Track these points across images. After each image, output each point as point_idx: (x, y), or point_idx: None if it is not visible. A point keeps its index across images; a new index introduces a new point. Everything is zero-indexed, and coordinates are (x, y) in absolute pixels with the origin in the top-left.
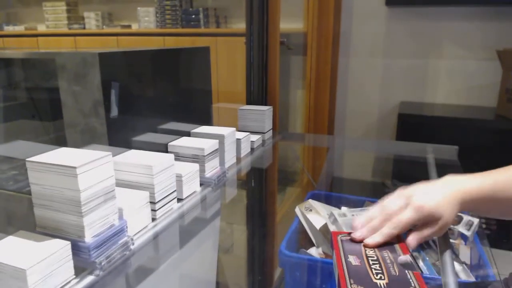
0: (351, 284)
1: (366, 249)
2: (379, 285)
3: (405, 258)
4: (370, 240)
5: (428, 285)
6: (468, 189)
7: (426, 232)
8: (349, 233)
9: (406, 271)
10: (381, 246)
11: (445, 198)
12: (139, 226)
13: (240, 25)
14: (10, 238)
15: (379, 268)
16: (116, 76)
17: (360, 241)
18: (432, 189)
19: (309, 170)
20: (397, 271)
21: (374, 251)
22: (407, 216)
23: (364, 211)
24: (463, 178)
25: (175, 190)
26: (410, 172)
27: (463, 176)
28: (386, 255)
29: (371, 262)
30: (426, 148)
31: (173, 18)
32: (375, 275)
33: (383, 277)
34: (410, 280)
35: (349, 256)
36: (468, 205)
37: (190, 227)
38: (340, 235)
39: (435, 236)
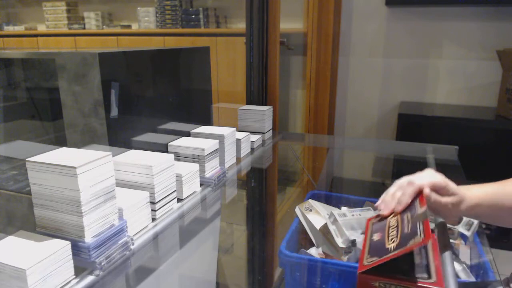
0: (366, 258)
1: (391, 219)
2: (389, 249)
3: (421, 210)
4: (386, 211)
5: None
6: (473, 194)
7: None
8: (381, 216)
9: (418, 223)
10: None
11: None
12: (139, 226)
13: (240, 25)
14: (10, 238)
15: (395, 233)
16: (116, 76)
17: (389, 215)
18: None
19: (309, 170)
20: (409, 227)
21: (396, 218)
22: (420, 176)
23: (364, 211)
24: (466, 186)
25: (175, 190)
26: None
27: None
28: (405, 216)
29: (390, 231)
30: (426, 148)
31: (173, 18)
32: (389, 241)
33: (395, 240)
34: (418, 230)
35: (373, 235)
36: (472, 209)
37: (190, 227)
38: (372, 220)
39: (448, 209)
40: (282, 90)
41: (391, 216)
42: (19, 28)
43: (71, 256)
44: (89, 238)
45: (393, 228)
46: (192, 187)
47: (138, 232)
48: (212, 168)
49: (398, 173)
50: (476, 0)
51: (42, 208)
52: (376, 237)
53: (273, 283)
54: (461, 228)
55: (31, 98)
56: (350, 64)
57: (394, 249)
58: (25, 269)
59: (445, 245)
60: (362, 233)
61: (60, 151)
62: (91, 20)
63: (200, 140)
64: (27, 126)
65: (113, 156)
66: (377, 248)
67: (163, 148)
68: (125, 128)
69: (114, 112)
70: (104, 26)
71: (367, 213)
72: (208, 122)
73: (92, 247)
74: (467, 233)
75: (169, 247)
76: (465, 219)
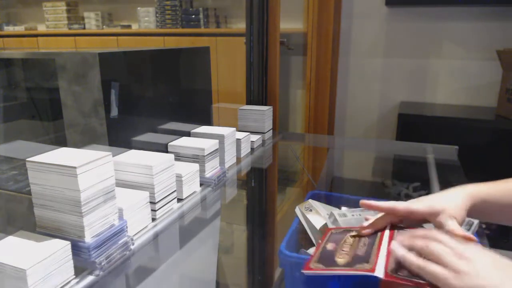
0: (313, 262)
1: (349, 237)
2: (337, 262)
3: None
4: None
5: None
6: (477, 191)
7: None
8: (344, 229)
9: (372, 249)
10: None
11: (452, 192)
12: (139, 226)
13: (240, 25)
14: (10, 238)
15: (347, 250)
16: (116, 76)
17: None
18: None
19: (309, 170)
20: (364, 250)
21: (355, 238)
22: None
23: (364, 211)
24: (471, 185)
25: (175, 190)
26: (410, 172)
27: (472, 184)
28: (363, 239)
29: (344, 246)
30: (426, 148)
31: (173, 18)
32: (339, 255)
33: (346, 257)
34: (371, 257)
35: (328, 243)
36: (477, 207)
37: (190, 227)
38: (333, 230)
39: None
40: (282, 90)
41: (352, 234)
42: (19, 28)
43: (71, 256)
44: (89, 238)
45: (347, 245)
46: (192, 187)
47: (138, 232)
48: (212, 168)
49: (398, 173)
50: (476, 0)
51: (42, 208)
52: (329, 246)
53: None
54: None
55: (31, 98)
56: (350, 64)
57: (342, 265)
58: (25, 269)
59: None
60: None
61: (60, 151)
62: (91, 20)
63: (200, 140)
64: (27, 126)
65: (113, 156)
66: (325, 257)
67: (163, 148)
68: (125, 128)
69: (114, 112)
70: (104, 26)
71: (367, 213)
72: (208, 122)
73: (92, 247)
74: (467, 233)
75: (169, 247)
76: (465, 219)
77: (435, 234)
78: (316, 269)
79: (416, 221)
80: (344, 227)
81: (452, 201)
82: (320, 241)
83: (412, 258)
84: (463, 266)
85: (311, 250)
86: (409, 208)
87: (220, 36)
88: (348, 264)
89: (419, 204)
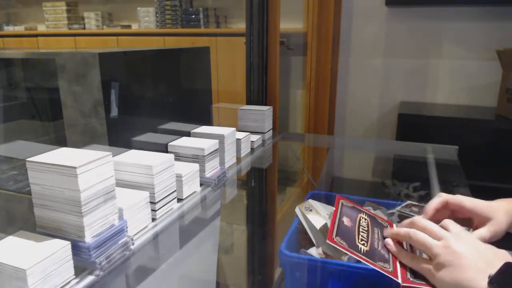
0: (335, 236)
1: (361, 218)
2: (360, 248)
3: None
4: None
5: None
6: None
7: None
8: (353, 205)
9: (388, 252)
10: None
11: (496, 203)
12: (139, 226)
13: (240, 25)
14: (10, 238)
15: (366, 237)
16: (116, 76)
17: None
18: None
19: (309, 170)
20: (379, 245)
21: (367, 222)
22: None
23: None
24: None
25: (175, 190)
26: (410, 172)
27: None
28: (376, 230)
29: (361, 229)
30: (426, 148)
31: (173, 18)
32: (359, 240)
33: (366, 245)
34: (389, 260)
35: (344, 217)
36: None
37: (190, 227)
38: (343, 200)
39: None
40: (282, 90)
41: (363, 214)
42: (19, 28)
43: (71, 256)
44: (89, 238)
45: (364, 230)
46: (192, 187)
47: (138, 232)
48: (212, 168)
49: (398, 173)
50: (476, 0)
51: (42, 208)
52: (346, 221)
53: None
54: None
55: (31, 98)
56: (350, 64)
57: (363, 254)
58: (25, 269)
59: None
60: None
61: (60, 151)
62: (91, 20)
63: (200, 140)
64: (27, 126)
65: (113, 156)
66: (345, 235)
67: (163, 148)
68: (125, 128)
69: (114, 112)
70: (104, 26)
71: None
72: (208, 122)
73: (92, 247)
74: None
75: (169, 247)
76: None
77: (417, 221)
78: (341, 246)
79: (462, 219)
80: (353, 203)
81: (502, 214)
82: (334, 209)
83: (402, 255)
84: (445, 257)
85: (311, 250)
86: (461, 202)
87: (220, 36)
88: (369, 255)
89: (472, 202)
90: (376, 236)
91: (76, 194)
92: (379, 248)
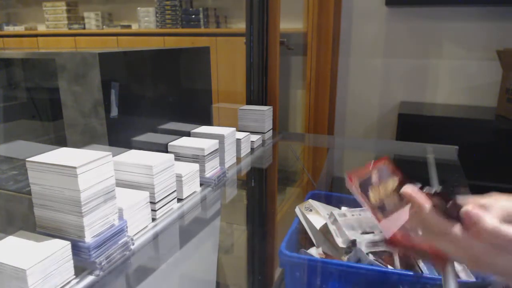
0: (357, 179)
1: (392, 182)
2: (369, 196)
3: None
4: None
5: (427, 285)
6: None
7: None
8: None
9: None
10: None
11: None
12: (139, 226)
13: (240, 25)
14: (10, 238)
15: (383, 192)
16: (116, 76)
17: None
18: None
19: (309, 170)
20: (393, 205)
21: (395, 189)
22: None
23: (364, 211)
24: None
25: (175, 190)
26: (410, 172)
27: None
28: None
29: (383, 187)
30: (426, 148)
31: (173, 18)
32: (374, 191)
33: (377, 197)
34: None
35: (377, 173)
36: None
37: (190, 227)
38: (385, 164)
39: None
40: (282, 90)
41: (395, 181)
42: (19, 28)
43: (71, 256)
44: (89, 238)
45: (386, 189)
46: (192, 187)
47: (138, 232)
48: (212, 168)
49: None
50: (476, 0)
51: (42, 208)
52: (374, 177)
53: (273, 283)
54: None
55: (31, 98)
56: (350, 64)
57: (369, 202)
58: (25, 269)
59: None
60: (362, 233)
61: (60, 151)
62: (91, 20)
63: (200, 140)
64: (27, 126)
65: (113, 156)
66: (366, 184)
67: (163, 148)
68: (125, 128)
69: (114, 112)
70: (104, 26)
71: (367, 213)
72: (208, 122)
73: (92, 247)
74: None
75: (169, 247)
76: None
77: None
78: (355, 187)
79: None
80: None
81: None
82: (373, 162)
83: (421, 195)
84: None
85: (311, 250)
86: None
87: (220, 36)
88: (373, 206)
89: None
90: (397, 197)
91: (76, 194)
92: (390, 204)
